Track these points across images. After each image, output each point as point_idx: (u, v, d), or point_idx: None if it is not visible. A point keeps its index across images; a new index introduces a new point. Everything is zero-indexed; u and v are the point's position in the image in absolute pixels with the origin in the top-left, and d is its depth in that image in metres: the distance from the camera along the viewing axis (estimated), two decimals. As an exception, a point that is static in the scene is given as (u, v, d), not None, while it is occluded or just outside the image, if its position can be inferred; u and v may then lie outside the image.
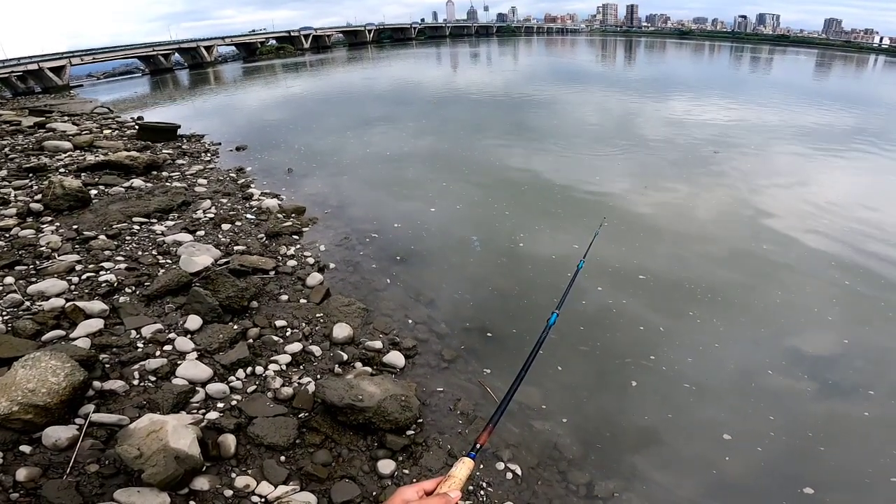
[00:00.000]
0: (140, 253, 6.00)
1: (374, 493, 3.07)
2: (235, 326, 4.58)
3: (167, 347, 4.18)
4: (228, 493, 2.92)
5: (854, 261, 6.31)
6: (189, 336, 4.35)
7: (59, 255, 5.69)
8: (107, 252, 5.90)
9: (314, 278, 5.70)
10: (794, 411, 3.97)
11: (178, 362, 3.98)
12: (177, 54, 56.91)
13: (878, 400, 4.05)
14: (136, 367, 3.87)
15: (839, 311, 5.29)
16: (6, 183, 8.50)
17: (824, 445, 3.63)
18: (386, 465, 3.26)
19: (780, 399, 4.09)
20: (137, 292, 5.04)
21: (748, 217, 7.74)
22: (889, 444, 3.61)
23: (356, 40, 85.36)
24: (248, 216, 7.62)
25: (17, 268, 5.34)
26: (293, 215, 7.83)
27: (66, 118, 17.48)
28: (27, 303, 4.62)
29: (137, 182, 8.95)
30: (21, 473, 2.73)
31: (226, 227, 7.10)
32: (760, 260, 6.38)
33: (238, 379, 3.94)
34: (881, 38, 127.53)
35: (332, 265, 6.27)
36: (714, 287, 5.73)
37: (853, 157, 11.14)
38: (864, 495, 3.32)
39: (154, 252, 6.06)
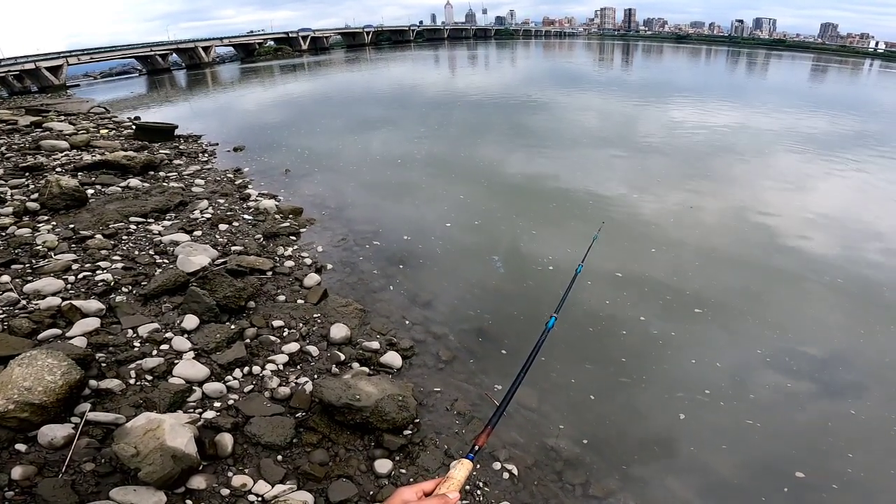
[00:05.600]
0: (137, 252, 5.99)
1: (371, 493, 3.08)
2: (233, 326, 4.58)
3: (164, 347, 4.18)
4: (225, 491, 2.91)
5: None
6: (186, 335, 4.34)
7: (55, 255, 5.67)
8: (103, 251, 5.89)
9: (312, 279, 5.70)
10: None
11: (175, 361, 3.97)
12: (174, 54, 56.86)
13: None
14: (133, 366, 3.86)
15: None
16: (2, 182, 8.46)
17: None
18: (383, 465, 3.26)
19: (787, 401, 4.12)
20: (134, 292, 5.03)
21: (749, 222, 7.74)
22: None
23: (354, 42, 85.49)
24: (246, 217, 7.62)
25: (14, 266, 5.33)
26: (291, 216, 7.83)
27: (62, 118, 17.43)
28: (23, 301, 4.61)
29: (134, 182, 8.93)
30: (16, 472, 2.72)
31: (223, 227, 7.09)
32: (769, 268, 6.31)
33: (235, 378, 3.94)
34: (877, 43, 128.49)
35: (329, 266, 6.27)
36: (710, 294, 5.74)
37: (853, 163, 11.20)
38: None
39: (151, 252, 6.05)
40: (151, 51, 53.40)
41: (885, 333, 5.01)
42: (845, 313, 5.37)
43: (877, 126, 16.21)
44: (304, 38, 74.27)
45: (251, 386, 3.89)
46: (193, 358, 4.06)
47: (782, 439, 3.75)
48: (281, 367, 4.15)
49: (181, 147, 12.71)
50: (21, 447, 2.92)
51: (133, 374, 3.78)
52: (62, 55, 42.62)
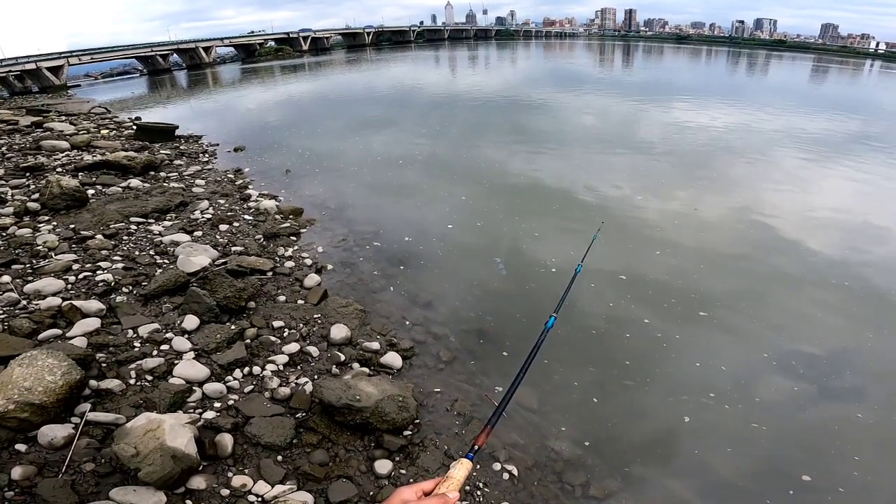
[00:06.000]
0: (137, 253, 5.99)
1: (371, 493, 3.08)
2: (233, 327, 4.58)
3: (164, 347, 4.18)
4: (225, 492, 2.91)
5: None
6: (186, 336, 4.35)
7: (55, 255, 5.68)
8: (104, 252, 5.89)
9: (312, 279, 5.71)
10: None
11: (176, 362, 3.97)
12: (175, 55, 56.96)
13: None
14: (133, 366, 3.86)
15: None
16: (3, 182, 8.47)
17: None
18: (383, 466, 3.26)
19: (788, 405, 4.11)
20: (135, 292, 5.03)
21: (755, 224, 7.64)
22: None
23: (355, 42, 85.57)
24: (246, 217, 7.62)
25: (14, 266, 5.33)
26: (291, 216, 7.83)
27: (63, 118, 17.45)
28: (24, 301, 4.61)
29: (135, 182, 8.94)
30: (16, 472, 2.72)
31: (223, 227, 7.10)
32: (775, 270, 6.21)
33: (235, 379, 3.94)
34: (877, 43, 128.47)
35: (329, 266, 6.27)
36: (716, 297, 5.68)
37: (859, 164, 11.17)
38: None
39: (151, 252, 6.06)
40: (152, 51, 53.47)
41: (893, 337, 4.99)
42: (852, 316, 5.32)
43: (881, 127, 16.17)
44: (305, 38, 74.34)
45: (251, 386, 3.89)
46: (194, 358, 4.06)
47: (788, 443, 3.73)
48: (281, 368, 4.15)
49: (182, 147, 12.72)
50: (21, 447, 2.92)
51: (133, 374, 3.78)
52: (63, 55, 42.70)
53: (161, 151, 11.91)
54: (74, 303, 4.49)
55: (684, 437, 3.79)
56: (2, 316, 4.34)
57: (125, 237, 6.46)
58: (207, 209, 7.82)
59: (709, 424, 3.90)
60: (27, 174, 9.08)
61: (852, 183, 9.97)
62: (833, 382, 4.34)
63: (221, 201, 8.31)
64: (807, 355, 4.65)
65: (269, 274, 5.78)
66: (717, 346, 4.81)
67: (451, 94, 23.99)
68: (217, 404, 3.64)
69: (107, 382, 3.60)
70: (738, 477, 3.46)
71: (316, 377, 4.05)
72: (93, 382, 3.54)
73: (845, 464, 3.54)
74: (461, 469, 0.94)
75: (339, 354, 4.41)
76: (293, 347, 4.39)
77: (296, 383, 3.97)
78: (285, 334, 4.63)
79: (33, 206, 7.12)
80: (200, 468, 2.99)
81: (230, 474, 3.05)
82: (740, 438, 3.75)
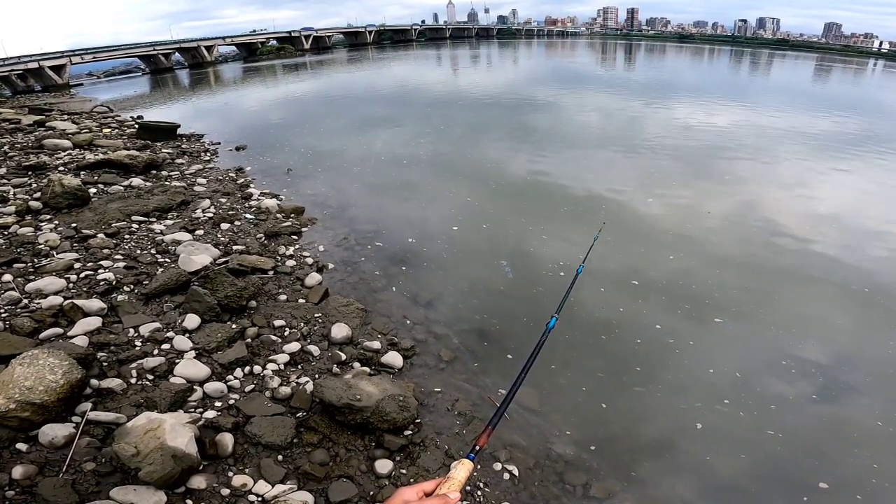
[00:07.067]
0: (139, 252, 6.00)
1: (372, 493, 3.07)
2: (234, 326, 4.58)
3: (165, 346, 4.18)
4: (225, 491, 2.91)
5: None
6: (187, 335, 4.34)
7: (57, 254, 5.68)
8: (105, 250, 5.89)
9: (313, 278, 5.70)
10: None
11: (177, 361, 3.97)
12: (177, 54, 57.00)
13: None
14: (134, 365, 3.86)
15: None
16: (5, 181, 8.49)
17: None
18: (383, 465, 3.26)
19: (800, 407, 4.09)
20: (136, 291, 5.03)
21: (771, 228, 7.49)
22: None
23: (357, 41, 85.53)
24: (248, 216, 7.62)
25: (16, 265, 5.33)
26: (292, 215, 7.83)
27: (65, 117, 17.48)
28: (25, 300, 4.61)
29: (137, 181, 8.95)
30: (17, 471, 2.72)
31: (225, 226, 7.10)
32: (793, 276, 6.11)
33: (236, 378, 3.94)
34: (881, 43, 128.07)
35: (330, 265, 6.27)
36: (731, 303, 5.54)
37: (859, 163, 11.11)
38: None
39: (153, 251, 6.06)
40: (154, 50, 53.51)
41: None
42: (872, 322, 5.25)
43: (889, 126, 16.04)
44: (307, 37, 74.32)
45: (252, 385, 3.89)
46: (194, 357, 4.06)
47: (805, 450, 3.69)
48: (282, 367, 4.15)
49: (183, 146, 12.73)
50: (22, 446, 2.92)
51: (134, 373, 3.78)
52: (66, 54, 42.73)
53: (163, 150, 11.91)
54: (76, 302, 4.49)
55: (696, 443, 3.74)
56: (3, 315, 4.34)
57: (127, 236, 6.46)
58: (209, 208, 7.83)
59: (722, 431, 3.84)
60: (29, 173, 9.08)
61: (866, 184, 9.85)
62: (852, 389, 4.28)
63: (223, 200, 8.31)
64: (825, 362, 4.58)
65: (271, 273, 5.78)
66: (731, 352, 4.72)
67: (453, 94, 23.96)
68: (218, 403, 3.64)
69: (108, 382, 3.60)
70: (751, 483, 3.42)
71: (317, 376, 4.05)
72: (94, 381, 3.54)
73: (864, 471, 3.49)
74: (462, 469, 0.94)
75: (340, 354, 4.40)
76: (294, 347, 4.39)
77: (296, 383, 3.96)
78: (286, 333, 4.62)
79: (35, 204, 7.12)
80: (201, 468, 2.98)
81: (230, 474, 3.05)
82: (754, 445, 3.70)
